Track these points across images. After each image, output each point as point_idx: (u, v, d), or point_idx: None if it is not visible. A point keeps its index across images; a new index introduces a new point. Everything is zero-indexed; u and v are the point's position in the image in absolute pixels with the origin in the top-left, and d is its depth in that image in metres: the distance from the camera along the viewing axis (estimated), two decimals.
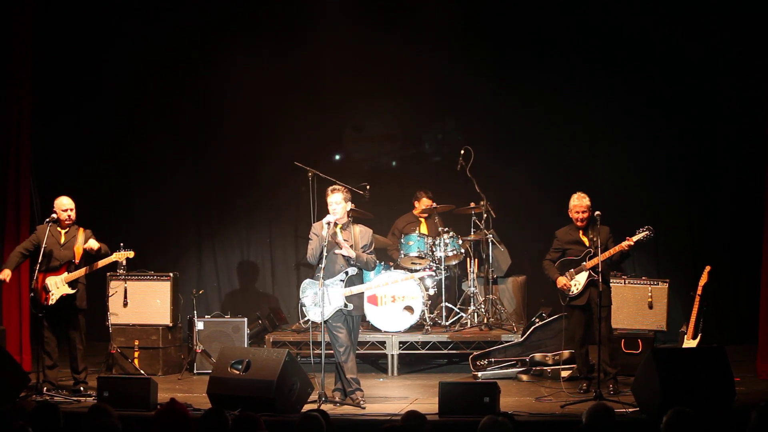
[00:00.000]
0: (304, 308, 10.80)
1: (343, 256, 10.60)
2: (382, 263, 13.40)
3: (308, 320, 10.99)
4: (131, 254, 11.37)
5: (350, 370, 10.63)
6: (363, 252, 10.70)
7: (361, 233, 10.81)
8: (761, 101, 12.48)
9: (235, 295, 15.51)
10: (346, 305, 10.53)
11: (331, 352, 10.75)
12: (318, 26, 14.87)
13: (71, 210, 11.38)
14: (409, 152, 15.65)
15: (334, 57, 14.92)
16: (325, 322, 10.56)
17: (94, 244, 11.27)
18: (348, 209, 10.77)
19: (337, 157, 15.45)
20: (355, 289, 10.65)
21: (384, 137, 15.55)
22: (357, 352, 12.24)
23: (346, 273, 10.57)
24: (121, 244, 11.37)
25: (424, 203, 14.07)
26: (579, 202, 11.14)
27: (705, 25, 14.14)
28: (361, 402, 10.50)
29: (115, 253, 11.33)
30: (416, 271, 13.13)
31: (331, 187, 10.77)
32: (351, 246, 10.63)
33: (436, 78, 15.12)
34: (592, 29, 14.65)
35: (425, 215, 14.10)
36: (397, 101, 15.24)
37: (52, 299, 11.14)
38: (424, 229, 13.97)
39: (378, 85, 15.17)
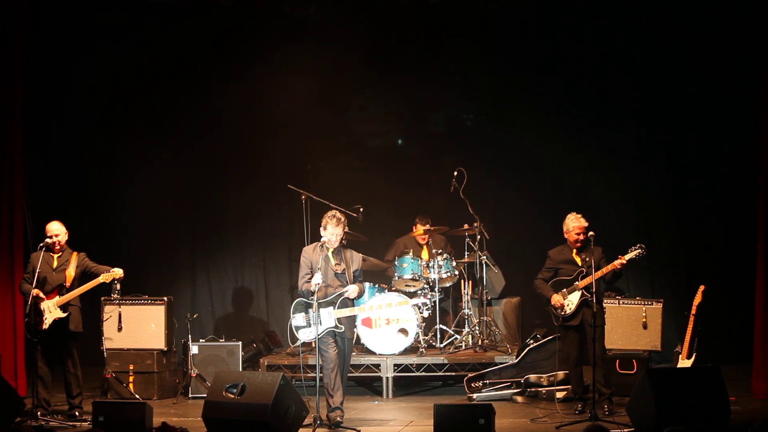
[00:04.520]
0: (294, 329, 10.81)
1: (337, 275, 10.66)
2: (376, 285, 13.41)
3: (299, 341, 10.97)
4: (119, 274, 11.36)
5: (335, 388, 10.62)
6: (355, 277, 10.80)
7: (353, 258, 10.90)
8: (753, 121, 12.51)
9: (230, 318, 15.50)
10: (337, 326, 10.57)
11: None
12: (312, 47, 14.88)
13: (56, 236, 11.42)
14: (403, 174, 15.65)
15: (329, 78, 14.90)
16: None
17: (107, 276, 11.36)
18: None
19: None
20: (348, 311, 10.69)
21: (377, 159, 15.57)
22: (352, 375, 12.30)
23: (340, 295, 10.60)
24: (114, 269, 11.39)
25: (419, 229, 14.03)
26: (578, 223, 11.16)
27: (695, 41, 14.23)
28: (339, 419, 10.54)
29: (102, 275, 11.34)
30: (411, 294, 13.15)
31: (332, 215, 10.78)
32: (344, 270, 10.71)
33: (430, 100, 15.17)
34: (583, 51, 14.72)
35: (426, 241, 14.05)
36: (391, 121, 15.29)
37: (46, 323, 11.16)
38: (425, 254, 13.91)
39: (372, 106, 15.26)
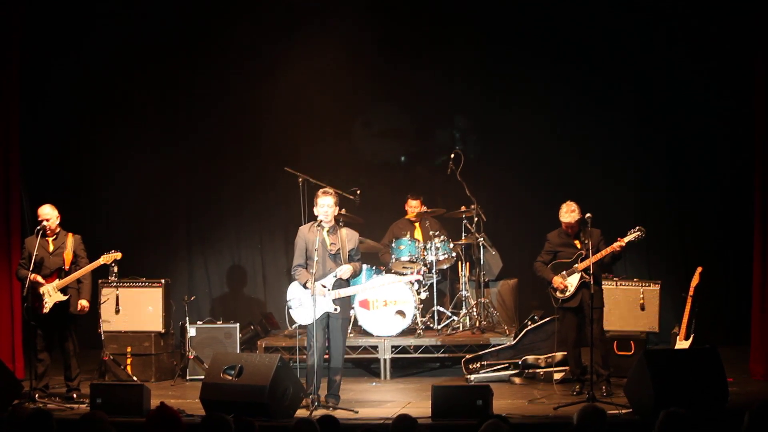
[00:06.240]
0: (290, 311, 10.80)
1: (331, 255, 10.64)
2: (373, 267, 13.40)
3: (296, 324, 10.97)
4: (118, 256, 11.43)
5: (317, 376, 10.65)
6: (350, 256, 10.76)
7: (348, 237, 10.84)
8: (750, 104, 12.49)
9: (227, 300, 15.50)
10: (335, 309, 10.56)
11: (326, 356, 10.79)
12: (312, 30, 14.85)
13: (47, 219, 11.34)
14: (400, 157, 15.64)
15: (326, 61, 14.83)
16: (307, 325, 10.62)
17: (83, 304, 11.44)
18: (336, 213, 10.82)
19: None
20: (343, 292, 10.68)
21: (375, 142, 15.54)
22: (350, 356, 12.32)
23: (335, 275, 10.58)
24: (114, 251, 11.42)
25: (410, 205, 14.07)
26: (568, 218, 11.12)
27: (692, 27, 14.19)
28: (331, 406, 10.54)
29: (102, 256, 11.35)
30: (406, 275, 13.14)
31: (322, 190, 10.78)
32: (338, 250, 10.68)
33: (428, 83, 15.12)
34: (582, 34, 14.67)
35: (418, 220, 14.08)
36: (388, 106, 15.26)
37: (46, 307, 11.14)
38: (418, 234, 13.96)
39: (368, 91, 15.22)
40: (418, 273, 12.46)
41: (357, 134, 15.50)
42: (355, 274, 10.88)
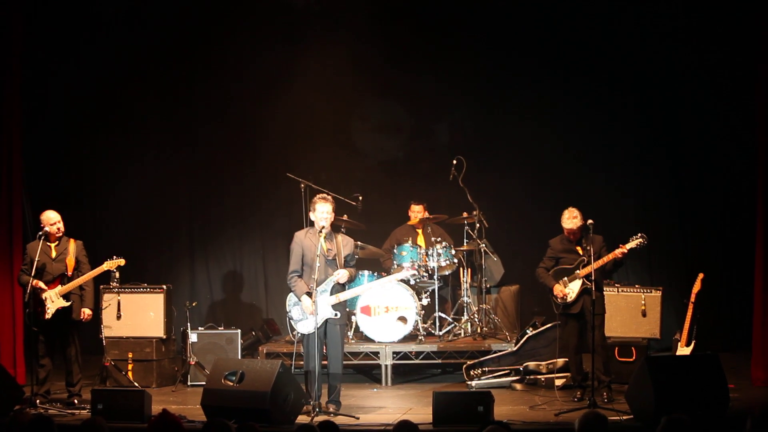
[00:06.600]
0: (291, 321, 10.81)
1: (328, 261, 10.63)
2: (375, 273, 13.38)
3: (297, 333, 10.97)
4: (122, 262, 11.44)
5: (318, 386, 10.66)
6: (346, 261, 10.78)
7: (344, 242, 10.86)
8: (753, 111, 12.47)
9: (228, 306, 15.49)
10: (336, 314, 10.56)
11: (326, 362, 10.78)
12: (313, 37, 14.90)
13: (59, 222, 11.38)
14: (402, 163, 15.63)
15: (328, 70, 14.88)
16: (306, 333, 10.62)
17: (87, 312, 11.50)
18: (332, 219, 10.82)
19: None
20: (342, 296, 10.69)
21: (377, 148, 15.53)
22: (350, 362, 12.31)
23: (333, 280, 10.59)
24: (115, 257, 11.42)
25: (414, 210, 14.05)
26: (570, 225, 11.14)
27: (693, 28, 14.22)
28: (332, 412, 10.53)
29: (106, 262, 11.35)
30: (407, 281, 13.08)
31: (319, 196, 10.79)
32: (335, 255, 10.69)
33: (430, 89, 15.14)
34: (584, 42, 14.70)
35: (420, 226, 14.06)
36: (390, 112, 15.26)
37: (49, 313, 11.14)
38: (420, 240, 13.95)
39: (371, 97, 15.22)
40: (411, 267, 12.43)
41: (357, 134, 15.49)
42: (351, 279, 10.90)
